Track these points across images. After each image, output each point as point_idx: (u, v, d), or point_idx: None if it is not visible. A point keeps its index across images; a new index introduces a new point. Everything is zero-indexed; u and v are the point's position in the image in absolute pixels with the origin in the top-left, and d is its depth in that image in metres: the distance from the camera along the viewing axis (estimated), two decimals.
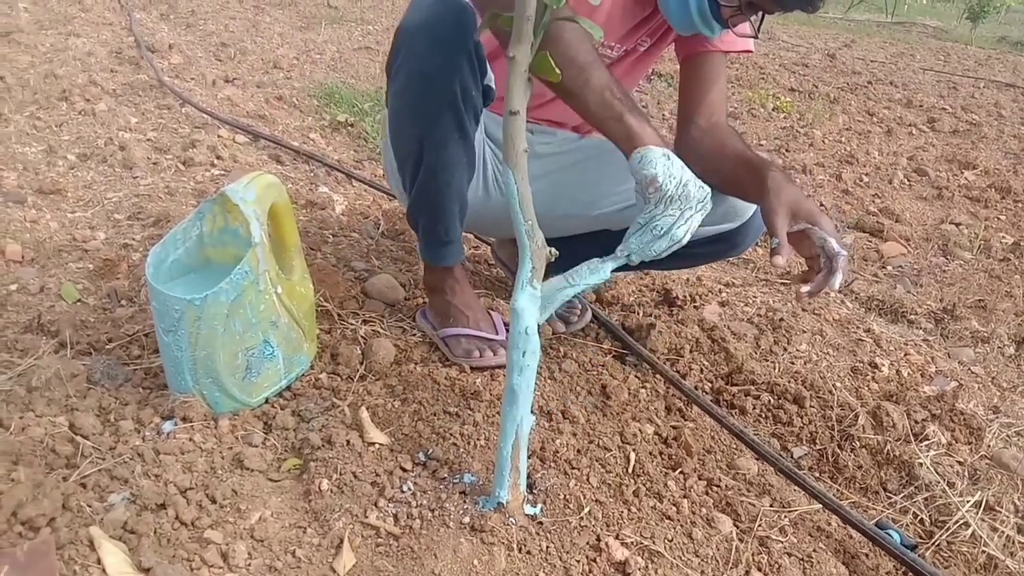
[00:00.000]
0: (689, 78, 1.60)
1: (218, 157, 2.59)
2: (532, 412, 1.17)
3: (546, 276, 1.15)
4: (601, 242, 1.72)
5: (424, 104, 1.38)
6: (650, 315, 1.95)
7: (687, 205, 1.17)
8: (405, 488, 1.22)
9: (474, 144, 1.47)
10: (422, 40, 1.33)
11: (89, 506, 1.10)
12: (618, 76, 1.65)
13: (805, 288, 1.35)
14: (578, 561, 1.16)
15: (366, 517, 1.16)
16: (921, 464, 1.50)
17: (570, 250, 1.48)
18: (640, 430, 1.50)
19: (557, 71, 1.04)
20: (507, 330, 1.65)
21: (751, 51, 1.62)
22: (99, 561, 1.01)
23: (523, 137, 1.05)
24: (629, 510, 1.28)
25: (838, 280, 1.31)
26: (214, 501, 1.15)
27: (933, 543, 1.35)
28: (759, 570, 1.24)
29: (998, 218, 3.21)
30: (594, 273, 1.17)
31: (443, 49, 1.32)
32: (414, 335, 1.68)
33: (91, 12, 4.60)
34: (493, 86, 1.45)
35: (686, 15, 1.39)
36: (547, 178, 1.66)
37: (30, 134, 2.56)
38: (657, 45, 1.63)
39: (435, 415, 1.41)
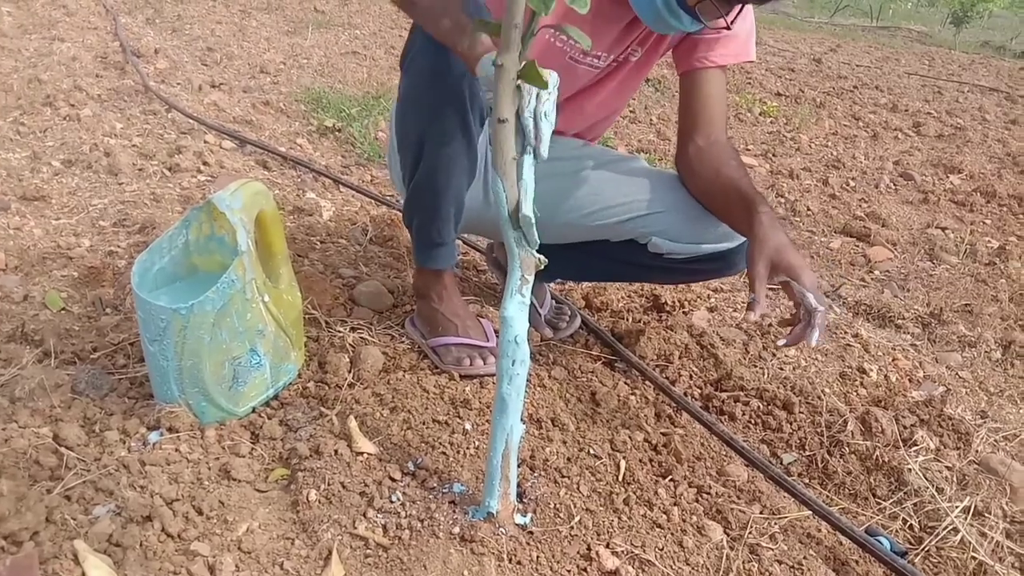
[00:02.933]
0: (687, 94, 1.59)
1: (204, 163, 2.58)
2: (522, 420, 1.16)
3: (536, 282, 1.14)
4: (597, 251, 1.71)
5: (431, 101, 1.38)
6: (639, 321, 1.95)
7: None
8: (394, 498, 1.21)
9: (476, 147, 1.46)
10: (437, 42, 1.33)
11: (73, 519, 1.08)
12: (613, 88, 1.65)
13: (782, 341, 1.36)
14: (569, 571, 1.16)
15: (355, 528, 1.15)
16: (910, 470, 1.50)
17: (566, 258, 1.48)
18: (630, 437, 1.49)
19: (544, 79, 1.04)
20: (497, 337, 1.65)
21: (752, 60, 1.62)
22: (84, 575, 1.00)
23: (512, 145, 1.05)
24: (620, 518, 1.28)
25: (815, 337, 1.31)
26: (201, 513, 1.14)
27: (923, 549, 1.36)
28: None
29: (983, 222, 3.23)
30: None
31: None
32: (403, 342, 1.67)
33: (76, 16, 4.56)
34: None
35: (651, 5, 1.37)
36: (548, 181, 1.64)
37: (14, 140, 2.54)
38: (649, 55, 1.61)
39: (424, 424, 1.41)
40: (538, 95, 1.07)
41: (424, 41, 1.36)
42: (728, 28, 1.45)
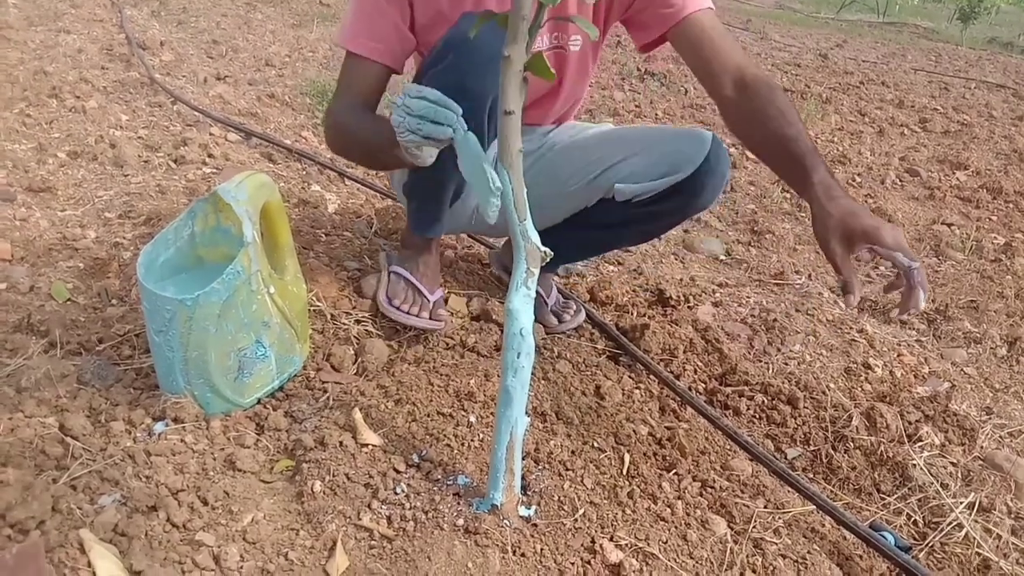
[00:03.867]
0: (684, 53, 1.51)
1: (210, 155, 2.58)
2: (526, 413, 1.16)
3: (541, 274, 1.14)
4: (579, 222, 1.72)
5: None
6: (644, 315, 1.95)
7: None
8: (399, 490, 1.22)
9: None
10: (467, 57, 1.32)
11: (79, 508, 1.09)
12: (569, 81, 1.65)
13: (895, 312, 1.28)
14: (572, 563, 1.16)
15: (359, 519, 1.15)
16: (915, 465, 1.50)
17: (553, 237, 1.49)
18: (634, 431, 1.49)
19: (552, 71, 1.04)
20: (444, 302, 1.77)
21: (711, 8, 1.51)
22: (89, 564, 1.00)
23: (519, 137, 1.05)
24: (623, 512, 1.28)
25: (921, 296, 1.21)
26: (206, 503, 1.14)
27: (927, 544, 1.36)
28: (753, 572, 1.23)
29: (989, 219, 3.22)
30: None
31: (486, 69, 1.29)
32: (407, 335, 1.67)
33: (81, 8, 4.56)
34: None
35: None
36: (529, 172, 1.66)
37: (20, 131, 2.54)
38: (586, 42, 1.60)
39: (429, 416, 1.41)
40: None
41: (454, 60, 1.36)
42: None
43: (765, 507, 1.38)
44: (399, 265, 1.76)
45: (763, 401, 1.67)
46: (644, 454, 1.45)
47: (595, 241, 1.84)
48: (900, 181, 3.59)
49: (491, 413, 1.44)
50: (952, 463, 1.54)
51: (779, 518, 1.36)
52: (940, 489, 1.46)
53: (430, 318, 1.66)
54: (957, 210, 3.29)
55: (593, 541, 1.20)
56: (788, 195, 3.19)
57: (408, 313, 1.65)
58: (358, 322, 1.68)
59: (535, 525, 1.20)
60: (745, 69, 1.46)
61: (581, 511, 1.25)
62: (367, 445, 1.30)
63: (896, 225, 1.32)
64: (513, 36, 0.98)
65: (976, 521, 1.40)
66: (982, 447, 1.60)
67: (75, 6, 4.60)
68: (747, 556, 1.26)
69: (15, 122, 2.60)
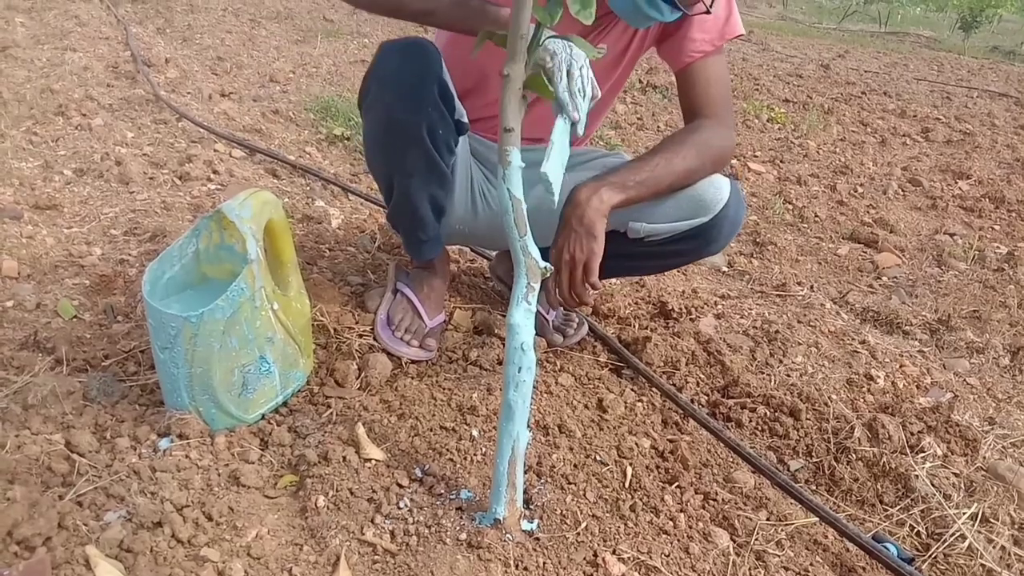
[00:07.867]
0: (687, 89, 1.56)
1: (214, 172, 2.60)
2: (528, 427, 1.17)
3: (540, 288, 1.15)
4: None
5: (392, 146, 1.44)
6: (646, 328, 1.96)
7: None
8: (402, 504, 1.22)
9: (446, 168, 1.50)
10: (389, 90, 1.37)
11: (85, 525, 1.10)
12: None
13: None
14: None
15: (363, 534, 1.16)
16: (917, 476, 1.50)
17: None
18: (637, 444, 1.50)
19: (551, 88, 1.05)
20: (447, 323, 1.78)
21: (742, 33, 1.58)
22: None
23: (518, 153, 1.06)
24: (626, 525, 1.28)
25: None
26: (210, 519, 1.15)
27: (930, 556, 1.36)
28: None
29: (992, 228, 3.22)
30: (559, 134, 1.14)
31: (410, 99, 1.36)
32: None
33: (88, 27, 4.61)
34: (465, 120, 1.48)
35: (628, 1, 1.33)
36: (535, 189, 1.66)
37: (26, 149, 2.57)
38: (622, 54, 1.60)
39: (432, 430, 1.41)
40: (568, 73, 1.11)
41: (376, 93, 1.40)
42: (708, 11, 1.39)
43: (768, 519, 1.39)
44: (405, 283, 1.76)
45: (765, 413, 1.67)
46: (646, 467, 1.45)
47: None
48: (902, 191, 3.60)
49: (493, 427, 1.45)
50: (955, 474, 1.54)
51: (782, 530, 1.36)
52: (943, 500, 1.46)
53: (420, 347, 1.67)
54: (959, 220, 3.30)
55: (596, 555, 1.21)
56: (790, 207, 3.20)
57: (400, 339, 1.66)
58: (361, 337, 1.69)
59: (538, 539, 1.21)
60: (701, 114, 1.55)
61: (583, 524, 1.25)
62: (370, 460, 1.31)
63: (573, 257, 1.45)
64: (512, 55, 1.00)
65: (979, 532, 1.40)
66: (984, 457, 1.60)
67: (81, 24, 4.64)
68: (750, 569, 1.26)
69: (22, 140, 2.63)
